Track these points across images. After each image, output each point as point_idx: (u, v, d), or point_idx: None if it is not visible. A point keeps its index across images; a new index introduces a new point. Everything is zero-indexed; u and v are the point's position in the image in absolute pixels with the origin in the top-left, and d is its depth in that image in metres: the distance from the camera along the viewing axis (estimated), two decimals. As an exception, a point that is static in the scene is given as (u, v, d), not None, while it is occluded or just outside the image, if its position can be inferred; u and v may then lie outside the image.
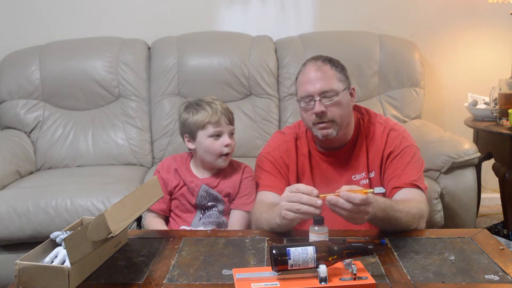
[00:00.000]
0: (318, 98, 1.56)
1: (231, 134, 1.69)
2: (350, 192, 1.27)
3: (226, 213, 1.73)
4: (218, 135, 1.66)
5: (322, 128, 1.58)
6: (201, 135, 1.67)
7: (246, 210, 1.69)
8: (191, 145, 1.72)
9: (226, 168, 1.73)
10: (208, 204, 1.71)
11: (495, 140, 2.49)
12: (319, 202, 1.29)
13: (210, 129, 1.66)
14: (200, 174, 1.73)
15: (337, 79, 1.59)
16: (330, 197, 1.28)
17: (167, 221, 1.76)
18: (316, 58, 1.63)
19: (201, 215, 1.71)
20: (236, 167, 1.76)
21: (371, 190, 1.32)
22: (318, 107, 1.56)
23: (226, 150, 1.66)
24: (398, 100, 2.76)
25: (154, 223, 1.71)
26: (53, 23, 2.90)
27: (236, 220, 1.70)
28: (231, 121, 1.69)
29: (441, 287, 1.16)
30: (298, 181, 1.68)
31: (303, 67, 1.64)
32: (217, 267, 1.27)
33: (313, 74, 1.58)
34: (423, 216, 1.50)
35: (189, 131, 1.70)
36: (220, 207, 1.72)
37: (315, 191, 1.30)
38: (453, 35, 3.00)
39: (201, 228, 1.68)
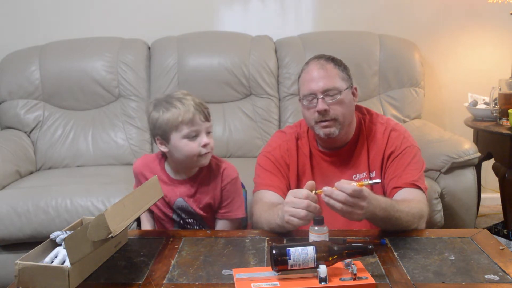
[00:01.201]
0: (321, 96, 1.56)
1: (208, 132, 1.55)
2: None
3: (209, 223, 1.65)
4: (194, 135, 1.52)
5: (325, 127, 1.58)
6: (175, 137, 1.51)
7: (232, 218, 1.65)
8: (164, 148, 1.56)
9: (203, 171, 1.62)
10: (186, 220, 1.64)
11: (495, 140, 2.49)
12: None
13: (185, 130, 1.50)
14: (175, 175, 1.62)
15: (340, 78, 1.59)
16: (326, 188, 1.29)
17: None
18: (319, 57, 1.63)
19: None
20: (214, 168, 1.62)
21: (367, 181, 1.32)
22: (321, 105, 1.56)
23: (204, 150, 1.52)
24: (398, 100, 2.76)
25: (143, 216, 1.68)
26: (53, 23, 2.90)
27: (221, 229, 1.64)
28: (207, 118, 1.54)
29: (441, 287, 1.16)
30: (299, 180, 1.68)
31: (306, 65, 1.64)
32: (217, 267, 1.27)
33: (316, 72, 1.58)
34: (423, 216, 1.50)
35: (160, 133, 1.54)
36: (200, 221, 1.64)
37: (316, 197, 1.31)
38: (453, 35, 3.00)
39: None
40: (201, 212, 1.62)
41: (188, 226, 1.66)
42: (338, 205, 1.28)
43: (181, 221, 1.65)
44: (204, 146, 1.53)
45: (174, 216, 1.64)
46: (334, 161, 1.68)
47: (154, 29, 2.86)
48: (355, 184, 1.30)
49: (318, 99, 1.56)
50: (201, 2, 2.94)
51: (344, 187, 1.27)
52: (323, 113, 1.56)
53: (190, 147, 1.52)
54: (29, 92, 2.67)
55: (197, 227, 1.66)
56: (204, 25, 2.90)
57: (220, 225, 1.65)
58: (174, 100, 1.53)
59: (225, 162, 1.67)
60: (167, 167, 1.64)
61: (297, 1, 2.96)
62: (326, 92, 1.56)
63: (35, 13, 2.89)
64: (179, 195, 1.61)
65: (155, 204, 1.59)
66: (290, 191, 1.37)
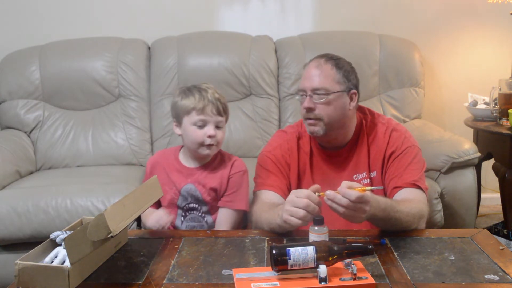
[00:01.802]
0: (309, 94, 1.59)
1: (218, 127, 1.62)
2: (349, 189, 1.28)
3: (212, 212, 1.69)
4: (201, 125, 1.60)
5: (310, 124, 1.62)
6: (186, 121, 1.62)
7: (234, 208, 1.67)
8: (177, 130, 1.67)
9: (215, 160, 1.69)
10: (190, 205, 1.67)
11: (495, 140, 2.49)
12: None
13: (194, 116, 1.60)
14: (188, 163, 1.69)
15: (334, 80, 1.59)
16: (329, 191, 1.29)
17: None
18: (321, 56, 1.64)
19: (182, 218, 1.68)
20: (226, 160, 1.70)
21: (369, 187, 1.32)
22: (307, 103, 1.59)
23: (208, 141, 1.60)
24: (398, 100, 2.76)
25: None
26: (53, 23, 2.90)
27: (222, 218, 1.67)
28: (220, 112, 1.62)
29: (441, 287, 1.16)
30: (299, 180, 1.68)
31: (308, 62, 1.66)
32: (217, 267, 1.27)
33: (312, 70, 1.61)
34: (423, 216, 1.51)
35: (176, 116, 1.66)
36: (204, 208, 1.68)
37: (318, 198, 1.31)
38: (453, 35, 3.00)
39: None
40: (207, 198, 1.66)
41: (191, 212, 1.68)
42: (341, 209, 1.28)
43: (185, 207, 1.68)
44: (209, 137, 1.60)
45: (179, 201, 1.67)
46: (335, 160, 1.68)
47: (154, 29, 2.86)
48: (357, 185, 1.30)
49: (306, 96, 1.59)
50: (201, 2, 2.94)
51: (347, 193, 1.26)
52: (307, 110, 1.59)
53: (196, 134, 1.60)
54: (29, 92, 2.66)
55: (199, 214, 1.67)
56: (204, 25, 2.90)
57: (222, 213, 1.67)
58: (195, 89, 1.63)
59: (237, 158, 1.75)
60: (181, 156, 1.72)
61: (297, 1, 2.96)
62: (314, 91, 1.58)
63: (35, 13, 2.89)
64: (189, 181, 1.67)
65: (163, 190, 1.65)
66: (292, 191, 1.38)
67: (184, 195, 1.66)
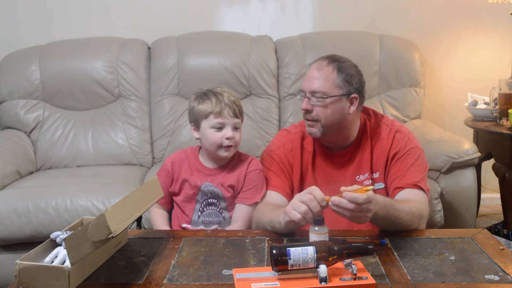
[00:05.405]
0: (307, 96, 1.60)
1: (236, 128, 1.68)
2: (352, 192, 1.27)
3: (229, 209, 1.71)
4: (220, 127, 1.65)
5: (308, 125, 1.63)
6: (204, 125, 1.66)
7: (249, 204, 1.68)
8: (196, 134, 1.71)
9: (233, 160, 1.73)
10: (209, 200, 1.70)
11: (495, 140, 2.50)
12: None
13: (212, 120, 1.64)
14: (207, 164, 1.73)
15: (334, 84, 1.58)
16: (334, 197, 1.29)
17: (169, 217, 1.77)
18: (325, 58, 1.64)
19: (199, 213, 1.70)
20: (243, 159, 1.74)
21: (371, 186, 1.32)
22: (304, 104, 1.61)
23: (227, 142, 1.64)
24: (398, 100, 2.76)
25: (156, 214, 1.73)
26: (53, 23, 2.90)
27: (238, 214, 1.68)
28: (236, 114, 1.67)
29: (441, 287, 1.16)
30: (302, 180, 1.69)
31: (312, 62, 1.66)
32: (217, 267, 1.27)
33: (313, 72, 1.61)
34: (423, 217, 1.50)
35: (193, 120, 1.71)
36: (222, 204, 1.70)
37: (325, 202, 1.31)
38: (453, 35, 3.00)
39: (201, 227, 1.68)
40: (227, 194, 1.69)
41: (209, 208, 1.70)
42: (348, 213, 1.28)
43: (204, 202, 1.70)
44: (228, 139, 1.64)
45: (199, 196, 1.70)
46: (338, 161, 1.69)
47: (154, 29, 2.86)
48: (357, 187, 1.30)
49: (304, 97, 1.60)
50: (201, 2, 2.94)
51: (354, 197, 1.26)
52: (305, 111, 1.61)
53: (214, 136, 1.64)
54: (29, 92, 2.66)
55: (217, 209, 1.70)
56: (204, 25, 2.90)
57: (238, 209, 1.69)
58: (211, 93, 1.68)
59: (254, 157, 1.78)
60: (200, 157, 1.75)
61: (297, 1, 2.96)
62: (313, 93, 1.59)
63: (35, 13, 2.89)
64: (209, 180, 1.70)
65: (181, 187, 1.71)
66: (305, 189, 1.38)
67: (204, 191, 1.70)
